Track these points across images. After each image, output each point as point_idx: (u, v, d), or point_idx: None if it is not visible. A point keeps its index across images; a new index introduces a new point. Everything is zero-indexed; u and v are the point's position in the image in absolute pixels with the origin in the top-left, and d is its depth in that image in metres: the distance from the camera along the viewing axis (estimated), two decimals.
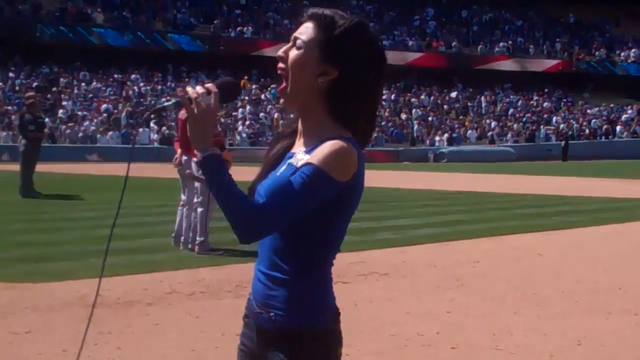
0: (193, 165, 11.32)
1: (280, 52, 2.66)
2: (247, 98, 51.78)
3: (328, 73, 2.60)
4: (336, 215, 2.61)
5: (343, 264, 9.97)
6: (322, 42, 2.61)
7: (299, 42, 2.63)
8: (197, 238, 11.43)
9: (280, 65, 2.64)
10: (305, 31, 2.64)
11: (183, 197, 11.86)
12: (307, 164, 2.52)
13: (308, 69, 2.60)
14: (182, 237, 11.70)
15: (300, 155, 2.59)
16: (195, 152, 2.55)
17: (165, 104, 2.63)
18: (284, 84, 2.64)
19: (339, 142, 2.53)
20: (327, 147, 2.51)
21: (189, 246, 11.57)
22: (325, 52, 2.60)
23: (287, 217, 2.50)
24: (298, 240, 2.59)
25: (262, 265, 2.68)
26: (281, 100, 2.69)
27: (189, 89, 2.55)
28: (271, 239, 2.62)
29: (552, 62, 66.11)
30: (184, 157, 11.61)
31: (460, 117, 58.41)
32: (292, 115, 2.85)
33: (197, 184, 11.41)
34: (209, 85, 2.58)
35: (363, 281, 9.53)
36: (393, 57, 60.26)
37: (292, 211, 2.50)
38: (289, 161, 2.62)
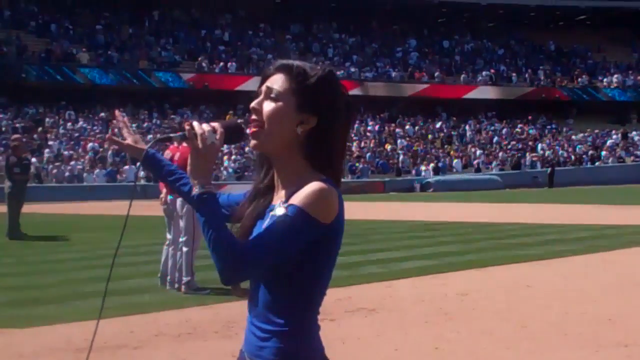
0: (178, 203, 11.30)
1: (253, 104, 2.65)
2: None
3: (307, 122, 2.62)
4: (320, 260, 2.61)
5: (330, 300, 9.91)
6: (298, 92, 2.62)
7: (274, 93, 2.63)
8: (184, 278, 11.37)
9: (254, 117, 2.64)
10: (278, 82, 2.64)
11: (169, 236, 11.81)
12: (290, 205, 2.52)
13: (287, 119, 2.61)
14: (169, 277, 11.64)
15: (280, 207, 2.59)
16: (193, 186, 2.55)
17: (171, 135, 2.70)
18: (255, 128, 2.63)
19: (319, 183, 2.54)
20: (309, 189, 2.52)
21: (176, 286, 11.51)
22: (302, 101, 2.61)
23: (270, 257, 2.50)
24: (285, 291, 2.59)
25: (253, 316, 2.67)
26: (252, 143, 2.66)
27: (195, 125, 2.57)
28: (260, 290, 2.62)
29: (535, 90, 66.39)
30: (169, 197, 11.59)
31: (446, 146, 58.55)
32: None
33: (182, 223, 11.37)
34: (215, 124, 2.60)
35: (350, 318, 9.48)
36: (377, 89, 60.61)
37: (275, 251, 2.50)
38: (272, 213, 2.62)
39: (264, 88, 2.67)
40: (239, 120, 2.71)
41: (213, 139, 2.56)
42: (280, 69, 2.67)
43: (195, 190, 2.53)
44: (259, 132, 2.63)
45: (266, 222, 2.61)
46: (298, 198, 2.53)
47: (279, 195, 2.67)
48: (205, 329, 8.91)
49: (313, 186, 2.53)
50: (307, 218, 2.50)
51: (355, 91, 58.00)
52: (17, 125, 47.51)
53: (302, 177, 2.60)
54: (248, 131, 2.66)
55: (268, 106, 2.63)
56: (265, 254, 2.49)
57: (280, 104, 2.62)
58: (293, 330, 2.60)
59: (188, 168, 2.57)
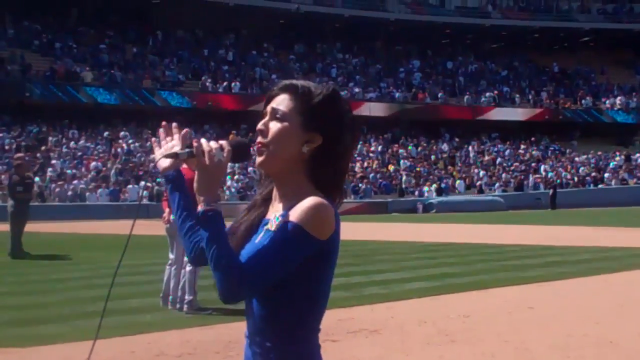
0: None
1: (260, 126, 2.68)
2: None
3: (313, 141, 2.64)
4: (317, 276, 2.62)
5: (332, 321, 9.92)
6: (303, 111, 2.65)
7: (279, 113, 2.66)
8: (186, 297, 11.37)
9: (260, 139, 2.66)
10: (283, 102, 2.67)
11: (171, 256, 11.80)
12: (286, 222, 2.53)
13: (294, 139, 2.64)
14: (170, 297, 11.63)
15: (276, 220, 2.60)
16: (199, 202, 2.57)
17: (179, 151, 2.68)
18: (262, 148, 2.65)
19: (316, 199, 2.56)
20: (305, 205, 2.54)
21: (177, 306, 11.50)
22: (307, 120, 2.64)
23: (269, 275, 2.51)
24: (283, 308, 2.60)
25: (252, 333, 2.68)
26: (258, 162, 2.67)
27: (203, 142, 2.59)
28: (257, 307, 2.63)
29: (538, 111, 66.44)
30: (172, 216, 11.59)
31: (448, 167, 58.55)
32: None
33: None
34: (223, 142, 2.62)
35: (352, 339, 9.46)
36: (380, 109, 60.68)
37: (273, 269, 2.51)
38: (266, 227, 2.62)
39: (269, 109, 2.70)
40: (244, 139, 2.73)
41: (220, 156, 2.58)
42: (285, 89, 2.70)
43: (200, 207, 2.55)
44: (264, 151, 2.65)
45: (260, 237, 2.62)
46: (294, 214, 2.54)
47: (275, 208, 2.68)
48: (207, 349, 8.91)
49: (309, 202, 2.55)
50: (304, 234, 2.52)
51: (358, 111, 58.05)
52: (21, 143, 47.57)
53: (300, 193, 2.61)
54: (255, 149, 2.68)
55: (274, 127, 2.65)
56: (264, 272, 2.50)
57: (286, 124, 2.64)
58: (293, 347, 2.60)
59: (194, 185, 2.59)
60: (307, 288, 2.60)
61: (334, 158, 2.68)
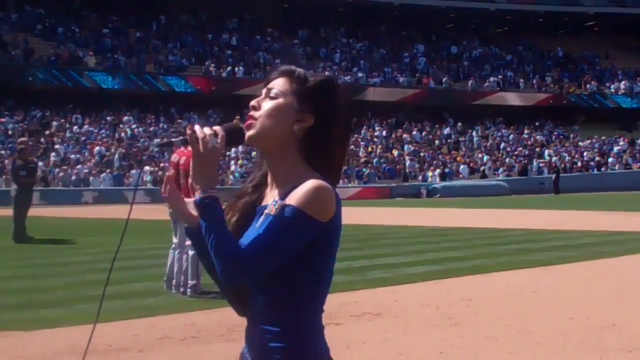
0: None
1: (253, 102, 2.70)
2: None
3: (304, 120, 2.65)
4: (320, 259, 2.62)
5: (335, 304, 9.94)
6: (297, 92, 2.67)
7: (273, 92, 2.68)
8: (189, 281, 11.39)
9: (252, 113, 2.68)
10: (278, 83, 2.70)
11: (175, 240, 11.83)
12: (286, 205, 2.53)
13: (284, 115, 2.65)
14: (174, 281, 11.66)
15: (274, 204, 2.60)
16: (196, 190, 2.57)
17: (173, 139, 2.68)
18: (251, 121, 2.66)
19: (316, 181, 2.56)
20: (305, 188, 2.54)
21: (181, 290, 11.53)
22: (301, 101, 2.66)
23: (271, 260, 2.52)
24: (287, 291, 2.60)
25: (254, 318, 2.68)
26: (247, 135, 2.67)
27: (197, 129, 2.59)
28: (261, 291, 2.63)
29: (542, 96, 66.38)
30: None
31: (452, 152, 58.52)
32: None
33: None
34: (216, 127, 2.62)
35: (355, 322, 9.48)
36: (384, 94, 60.59)
37: (275, 254, 2.52)
38: (265, 212, 2.62)
39: (264, 90, 2.72)
40: (237, 123, 2.73)
41: (214, 142, 2.58)
42: (283, 74, 2.73)
43: (197, 195, 2.55)
44: (254, 124, 2.66)
45: (260, 222, 2.61)
46: (295, 197, 2.54)
47: (272, 193, 2.68)
48: (211, 332, 8.93)
49: (309, 184, 2.55)
50: (305, 217, 2.52)
51: (362, 96, 58.01)
52: (24, 128, 47.61)
53: (297, 176, 2.61)
54: (244, 124, 2.69)
55: (267, 104, 2.68)
56: (266, 257, 2.51)
57: (279, 100, 2.67)
58: (296, 331, 2.60)
59: (190, 172, 2.58)
60: (309, 271, 2.60)
61: (328, 141, 2.67)
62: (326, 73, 2.80)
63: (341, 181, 2.57)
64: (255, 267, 2.51)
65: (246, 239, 2.58)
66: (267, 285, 2.60)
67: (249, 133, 2.67)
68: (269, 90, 2.70)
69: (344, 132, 2.73)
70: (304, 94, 2.66)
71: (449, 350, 8.02)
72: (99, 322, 8.61)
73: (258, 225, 2.60)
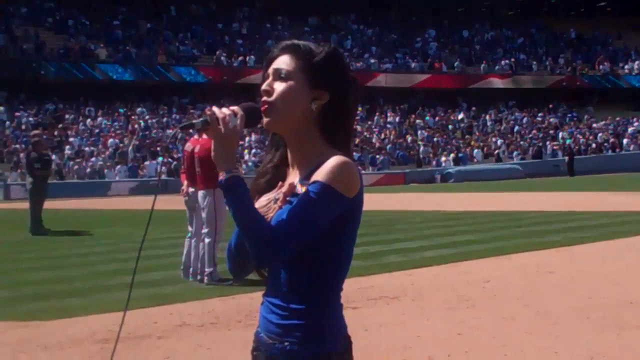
0: (199, 195, 11.36)
1: (264, 86, 2.68)
2: None
3: (320, 97, 2.65)
4: (345, 235, 2.64)
5: (352, 288, 9.96)
6: (307, 69, 2.66)
7: (283, 72, 2.66)
8: (206, 269, 11.42)
9: (265, 98, 2.66)
10: (285, 62, 2.68)
11: (190, 229, 11.87)
12: (314, 182, 2.54)
13: (300, 96, 2.64)
14: (191, 269, 11.70)
15: (300, 182, 2.62)
16: (219, 172, 2.57)
17: (194, 121, 2.65)
18: (268, 107, 2.65)
19: (341, 158, 2.57)
20: (331, 164, 2.55)
21: (198, 277, 11.57)
22: (312, 78, 2.65)
23: (301, 236, 2.53)
24: (309, 269, 2.61)
25: (274, 296, 2.68)
26: (266, 122, 2.67)
27: (216, 110, 2.58)
28: (281, 270, 2.63)
29: (555, 78, 66.13)
30: (191, 189, 11.66)
31: (466, 136, 58.41)
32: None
33: (204, 215, 11.42)
34: (235, 107, 2.62)
35: (373, 305, 9.51)
36: (396, 80, 60.45)
37: (305, 230, 2.53)
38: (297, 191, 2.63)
39: (271, 70, 2.70)
40: (255, 103, 2.72)
41: (235, 122, 2.58)
42: (286, 50, 2.71)
43: (222, 177, 2.55)
44: (272, 110, 2.65)
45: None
46: (321, 174, 2.55)
47: (294, 173, 2.70)
48: (229, 318, 8.97)
49: (335, 160, 2.56)
50: (333, 193, 2.53)
51: (374, 82, 57.91)
52: (38, 122, 47.74)
53: (320, 153, 2.63)
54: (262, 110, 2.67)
55: (279, 86, 2.66)
56: (297, 233, 2.52)
57: (291, 82, 2.65)
58: (317, 308, 2.62)
59: (212, 154, 2.59)
60: (334, 248, 2.62)
61: (344, 115, 2.70)
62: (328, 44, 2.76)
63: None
64: (288, 245, 2.52)
65: (275, 217, 2.60)
66: (291, 263, 2.61)
67: (267, 119, 2.67)
68: (278, 71, 2.67)
69: (355, 105, 2.75)
70: (314, 70, 2.65)
71: (466, 332, 8.04)
72: (117, 311, 8.67)
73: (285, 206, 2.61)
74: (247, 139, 50.26)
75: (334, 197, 2.53)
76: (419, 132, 57.13)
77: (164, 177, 41.96)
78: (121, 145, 47.48)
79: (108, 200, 36.18)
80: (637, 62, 68.35)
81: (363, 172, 47.89)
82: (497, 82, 64.46)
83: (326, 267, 2.62)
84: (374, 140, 53.52)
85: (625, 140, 58.90)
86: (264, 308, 2.72)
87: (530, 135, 59.13)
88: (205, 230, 11.43)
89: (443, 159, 52.55)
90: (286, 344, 2.61)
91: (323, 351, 2.60)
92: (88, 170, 43.84)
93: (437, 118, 60.42)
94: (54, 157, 36.52)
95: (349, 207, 2.58)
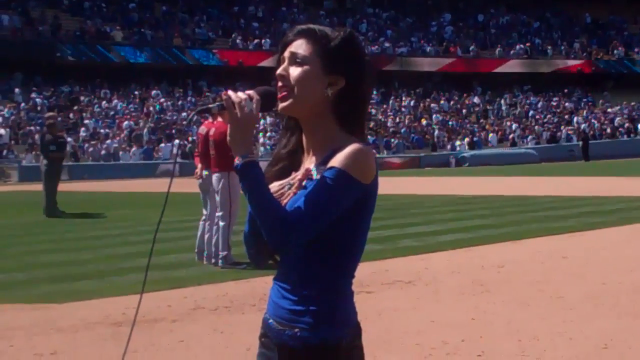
0: (214, 178, 11.35)
1: (280, 71, 2.67)
2: None
3: (336, 83, 2.64)
4: (359, 221, 2.63)
5: (366, 273, 9.95)
6: (323, 54, 2.64)
7: (299, 57, 2.64)
8: (220, 252, 11.42)
9: (281, 84, 2.65)
10: (301, 46, 2.66)
11: (204, 212, 11.88)
12: (330, 168, 2.54)
13: (316, 82, 2.63)
14: (205, 252, 11.71)
15: (316, 168, 2.61)
16: (235, 156, 2.56)
17: (210, 105, 2.65)
18: (284, 92, 2.64)
19: (358, 145, 2.57)
20: (348, 151, 2.55)
21: (212, 261, 11.57)
22: (328, 63, 2.64)
23: (317, 221, 2.53)
24: (323, 254, 2.60)
25: (285, 281, 2.67)
26: (281, 106, 2.65)
27: (231, 94, 2.57)
28: (294, 255, 2.62)
29: (570, 63, 65.87)
30: (204, 172, 11.66)
31: (481, 120, 58.28)
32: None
33: (218, 198, 11.42)
34: (250, 92, 2.61)
35: (386, 290, 9.50)
36: (411, 64, 60.30)
37: (321, 215, 2.53)
38: (313, 177, 2.63)
39: (287, 54, 2.68)
40: (270, 87, 2.71)
41: (251, 106, 2.57)
42: (301, 34, 2.69)
43: (237, 161, 2.54)
44: (288, 95, 2.64)
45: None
46: (338, 160, 2.54)
47: (310, 159, 2.68)
48: (243, 302, 8.97)
49: (352, 147, 2.55)
50: (349, 179, 2.53)
51: (389, 66, 57.79)
52: (53, 104, 47.84)
53: (335, 139, 2.62)
54: (278, 96, 2.66)
55: (295, 71, 2.64)
56: (312, 218, 2.52)
57: (307, 67, 2.63)
58: (329, 294, 2.61)
59: (227, 139, 2.58)
60: (348, 234, 2.61)
61: (359, 101, 2.68)
62: (344, 28, 2.74)
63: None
64: (303, 230, 2.52)
65: (290, 202, 2.59)
66: (304, 249, 2.60)
67: (283, 104, 2.65)
68: (294, 55, 2.65)
69: (370, 90, 2.75)
70: (330, 55, 2.64)
71: (480, 316, 8.02)
72: (131, 294, 8.69)
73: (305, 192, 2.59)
74: (262, 121, 50.23)
75: (350, 183, 2.53)
76: (434, 116, 57.03)
77: (178, 159, 42.05)
78: (136, 127, 47.56)
79: (122, 182, 36.22)
80: None
81: (378, 155, 48.05)
82: (512, 67, 64.22)
83: (339, 254, 2.61)
84: (389, 124, 53.43)
85: None
86: (274, 292, 2.71)
87: (545, 120, 58.93)
88: (219, 214, 11.42)
89: (458, 143, 52.46)
90: (296, 330, 2.61)
91: (333, 337, 2.59)
92: (103, 152, 43.93)
93: (452, 102, 60.30)
94: (69, 139, 36.59)
95: (364, 194, 2.58)
